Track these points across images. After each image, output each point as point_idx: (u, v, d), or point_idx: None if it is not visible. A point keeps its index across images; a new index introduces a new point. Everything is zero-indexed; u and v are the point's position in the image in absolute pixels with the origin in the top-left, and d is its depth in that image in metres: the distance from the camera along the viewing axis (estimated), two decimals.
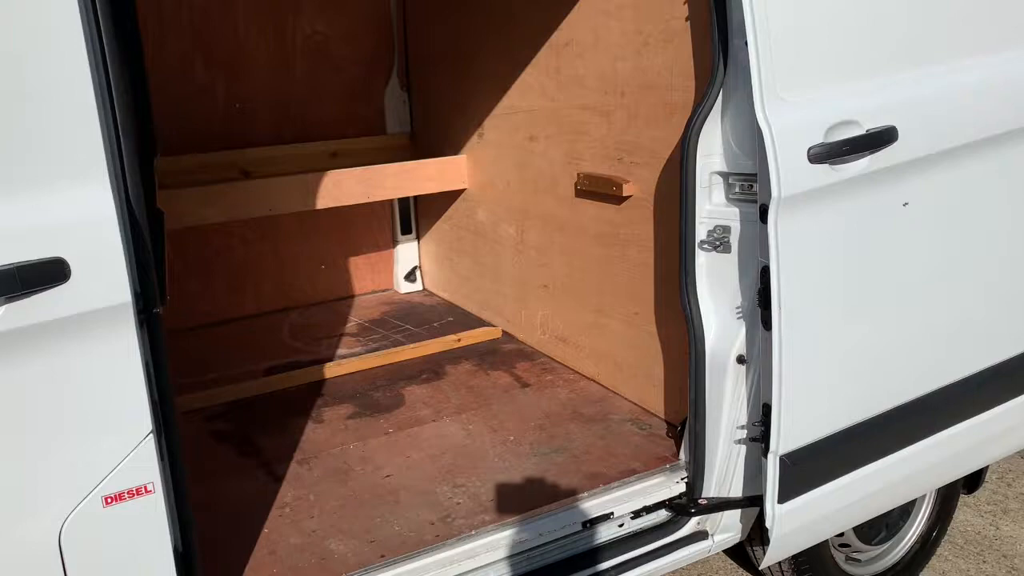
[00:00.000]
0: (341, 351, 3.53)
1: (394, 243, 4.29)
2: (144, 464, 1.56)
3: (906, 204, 2.23)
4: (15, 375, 1.44)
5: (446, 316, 3.91)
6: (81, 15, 1.43)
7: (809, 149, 2.05)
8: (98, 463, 1.53)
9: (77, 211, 1.47)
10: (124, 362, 1.52)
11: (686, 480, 2.48)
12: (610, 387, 3.06)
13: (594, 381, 3.14)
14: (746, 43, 2.01)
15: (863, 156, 2.14)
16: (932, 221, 2.29)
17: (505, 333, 3.64)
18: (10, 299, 1.40)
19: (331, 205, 3.54)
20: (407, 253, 4.31)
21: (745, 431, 2.33)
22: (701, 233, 2.31)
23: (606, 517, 2.35)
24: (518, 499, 2.38)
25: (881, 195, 2.19)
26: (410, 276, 4.32)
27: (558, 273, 3.26)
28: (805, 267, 2.13)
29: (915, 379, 2.38)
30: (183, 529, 1.69)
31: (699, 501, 2.44)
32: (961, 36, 2.29)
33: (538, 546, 2.26)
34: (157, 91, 3.53)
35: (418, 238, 4.31)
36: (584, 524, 2.33)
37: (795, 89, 2.06)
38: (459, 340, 3.55)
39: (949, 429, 2.49)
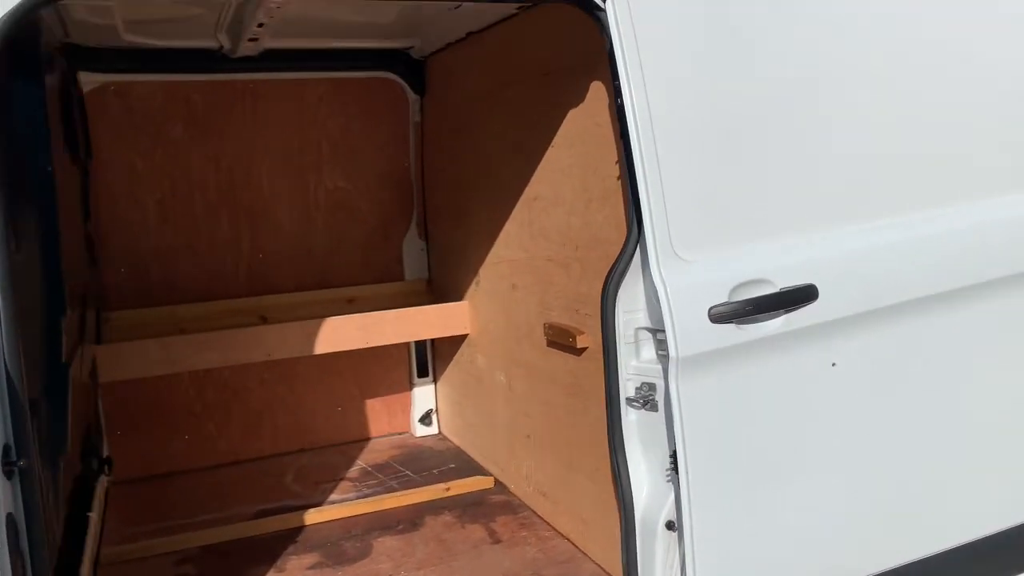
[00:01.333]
0: (333, 497, 3.54)
1: (411, 385, 4.33)
2: None
3: (834, 364, 2.10)
4: None
5: (449, 463, 3.88)
6: None
7: (711, 309, 1.99)
8: None
9: None
10: None
11: None
12: (580, 546, 2.92)
13: (567, 539, 3.01)
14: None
15: (777, 315, 2.05)
16: (861, 382, 2.14)
17: (498, 483, 3.57)
18: None
19: (330, 350, 3.65)
20: (423, 396, 4.34)
21: None
22: (629, 390, 2.24)
23: None
24: None
25: (802, 355, 2.08)
26: (425, 419, 4.33)
27: (538, 423, 3.20)
28: (716, 429, 2.02)
29: (854, 557, 2.17)
30: None
31: None
32: (888, 194, 2.21)
33: None
34: (184, 243, 3.84)
35: (435, 381, 4.35)
36: None
37: (696, 248, 2.02)
38: (448, 489, 3.50)
39: None
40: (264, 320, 3.91)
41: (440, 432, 4.33)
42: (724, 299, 2.01)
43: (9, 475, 1.64)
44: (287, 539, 3.15)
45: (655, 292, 2.13)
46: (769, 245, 2.07)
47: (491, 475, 3.63)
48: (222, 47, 3.53)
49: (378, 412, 4.32)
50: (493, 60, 3.32)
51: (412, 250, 4.28)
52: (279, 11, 2.91)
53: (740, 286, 2.03)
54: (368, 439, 4.29)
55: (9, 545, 1.61)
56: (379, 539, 3.11)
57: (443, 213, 4.08)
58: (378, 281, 4.22)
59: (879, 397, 2.16)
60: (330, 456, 4.07)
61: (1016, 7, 2.37)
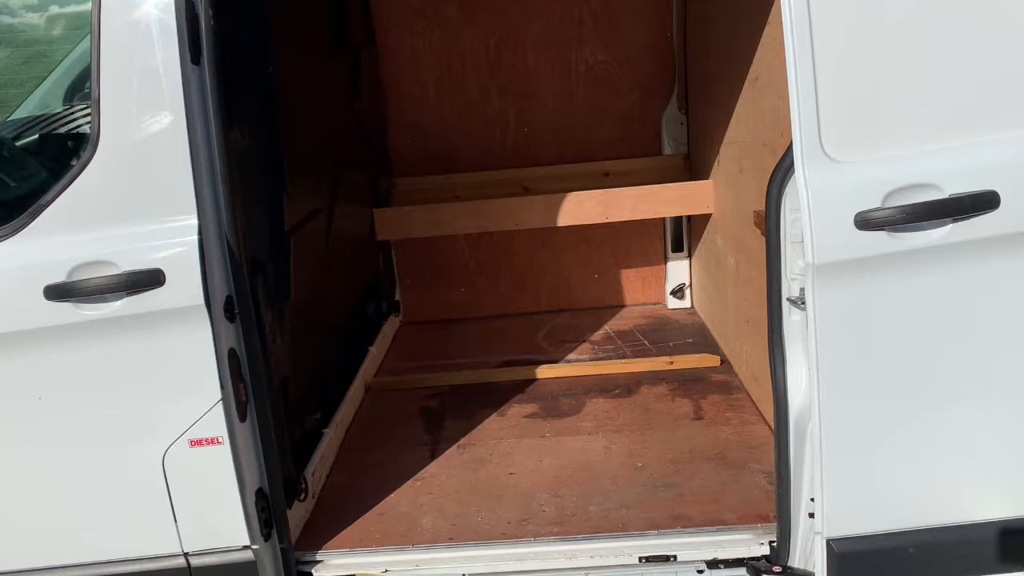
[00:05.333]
0: (571, 356, 3.87)
1: (665, 259, 4.44)
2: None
3: (1001, 283, 1.87)
4: None
5: (688, 337, 3.99)
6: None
7: (857, 214, 1.87)
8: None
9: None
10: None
11: (773, 544, 2.37)
12: None
13: (768, 426, 3.03)
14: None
15: (944, 224, 1.86)
16: None
17: (724, 362, 3.62)
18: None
19: (571, 223, 3.88)
20: (677, 270, 4.43)
21: None
22: (794, 290, 2.19)
23: (666, 558, 2.39)
24: (596, 521, 2.53)
25: (967, 271, 1.87)
26: (678, 292, 4.43)
27: (756, 310, 3.18)
28: (854, 345, 1.94)
29: (1008, 493, 1.97)
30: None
31: (774, 568, 2.33)
32: None
33: (589, 567, 2.40)
34: (458, 118, 4.24)
35: (689, 256, 4.40)
36: (641, 559, 2.40)
37: (848, 147, 1.88)
38: (671, 363, 3.64)
39: None
40: (526, 190, 4.23)
41: (692, 306, 4.41)
42: (876, 204, 1.86)
43: (232, 319, 2.14)
44: (518, 389, 3.55)
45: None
46: (937, 146, 1.85)
47: (721, 354, 3.69)
48: None
49: (633, 282, 4.51)
50: None
51: (672, 124, 4.27)
52: None
53: (897, 191, 1.85)
54: (623, 306, 4.52)
55: (231, 373, 2.13)
56: (593, 400, 3.39)
57: (700, 86, 3.99)
58: (636, 155, 4.30)
59: None
60: (583, 318, 4.38)
61: None
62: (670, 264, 4.44)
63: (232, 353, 2.17)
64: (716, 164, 3.66)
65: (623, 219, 3.96)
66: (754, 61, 2.91)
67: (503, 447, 3.05)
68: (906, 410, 1.96)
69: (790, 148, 2.06)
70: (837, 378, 1.95)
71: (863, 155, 1.88)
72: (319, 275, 3.25)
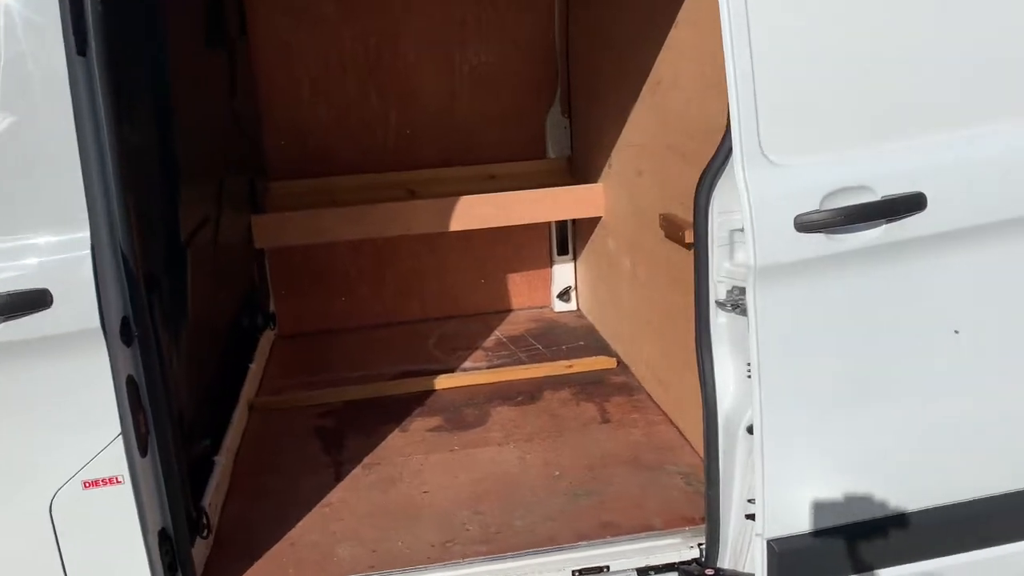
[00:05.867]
0: (467, 364, 3.77)
1: (551, 262, 4.42)
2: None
3: (933, 282, 1.95)
4: None
5: (580, 340, 3.98)
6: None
7: (797, 217, 1.89)
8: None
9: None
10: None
11: (702, 546, 2.38)
12: (687, 435, 2.97)
13: (675, 426, 3.06)
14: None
15: (877, 225, 1.91)
16: (959, 302, 1.97)
17: (620, 364, 3.64)
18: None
19: (466, 228, 3.78)
20: (563, 273, 4.42)
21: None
22: (720, 293, 2.20)
23: (599, 570, 2.34)
24: (523, 536, 2.45)
25: (902, 270, 1.94)
26: (564, 295, 4.43)
27: (659, 311, 3.21)
28: (795, 344, 1.96)
29: (938, 483, 2.06)
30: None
31: (707, 571, 2.33)
32: (1006, 96, 1.93)
33: None
34: (336, 118, 4.04)
35: (575, 259, 4.41)
36: (575, 573, 2.34)
37: (787, 151, 1.90)
38: (570, 367, 3.62)
39: (986, 550, 2.11)
40: (412, 193, 4.09)
41: (578, 309, 4.42)
42: (814, 207, 1.89)
43: (128, 343, 1.90)
44: (417, 401, 3.42)
45: None
46: (871, 150, 1.90)
47: (614, 356, 3.70)
48: None
49: (519, 286, 4.47)
50: None
51: (555, 127, 4.26)
52: None
53: (833, 193, 1.89)
54: (509, 311, 4.46)
55: (131, 401, 1.89)
56: (497, 408, 3.31)
57: (587, 90, 4.00)
58: (521, 158, 4.27)
59: (977, 319, 1.99)
60: (472, 325, 4.29)
61: None
62: (556, 267, 4.43)
63: (131, 380, 1.93)
64: (607, 167, 3.68)
65: (518, 223, 3.91)
66: (656, 64, 2.92)
67: (412, 464, 2.91)
68: (846, 408, 2.01)
69: (717, 152, 2.07)
70: (779, 379, 1.96)
71: (801, 158, 1.90)
72: (209, 289, 2.99)
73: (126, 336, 1.90)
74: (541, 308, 4.49)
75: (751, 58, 1.85)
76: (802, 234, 1.90)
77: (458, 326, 4.29)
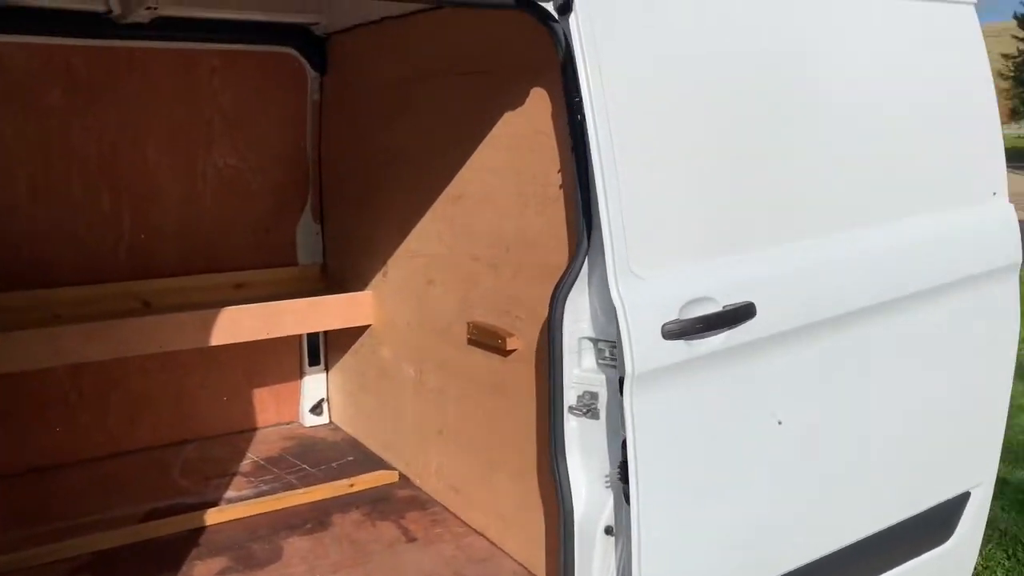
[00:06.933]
0: (229, 494, 3.40)
1: (301, 374, 4.20)
2: None
3: (769, 379, 2.24)
4: None
5: (347, 455, 3.80)
6: None
7: (663, 326, 2.06)
8: None
9: None
10: None
11: None
12: (498, 544, 2.97)
13: (482, 535, 3.04)
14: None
15: (720, 332, 2.15)
16: (798, 391, 2.30)
17: (403, 477, 3.54)
18: None
19: (229, 342, 3.48)
20: (314, 385, 4.22)
21: None
22: (571, 398, 2.28)
23: None
24: None
25: (742, 368, 2.20)
26: (316, 409, 4.22)
27: (453, 420, 3.20)
28: (665, 441, 2.11)
29: (791, 551, 2.34)
30: None
31: None
32: (818, 214, 2.36)
33: None
34: (59, 223, 3.52)
35: (327, 369, 4.24)
36: None
37: (650, 266, 2.08)
38: (352, 485, 3.44)
39: None
40: (147, 305, 3.67)
41: (331, 422, 4.23)
42: (675, 316, 2.08)
43: None
44: (188, 542, 3.00)
45: (601, 306, 2.19)
46: (713, 263, 2.16)
47: (395, 469, 3.60)
48: (111, 11, 3.23)
49: (266, 401, 4.17)
50: (413, 49, 3.24)
51: (306, 233, 4.13)
52: None
53: (688, 304, 2.10)
54: (255, 429, 4.13)
55: None
56: (288, 540, 3.02)
57: (343, 197, 3.95)
58: (269, 265, 4.04)
59: (808, 406, 2.33)
60: (217, 448, 3.89)
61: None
62: (307, 379, 4.22)
63: None
64: (382, 275, 3.64)
65: (286, 334, 3.68)
66: (455, 180, 3.01)
67: None
68: (711, 494, 2.18)
69: (570, 267, 2.21)
70: (653, 477, 2.08)
71: (662, 272, 2.09)
72: None
73: None
74: (290, 424, 4.22)
75: (619, 190, 2.03)
76: (667, 341, 2.07)
77: (201, 451, 3.87)
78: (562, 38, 2.09)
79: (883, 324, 2.47)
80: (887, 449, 2.55)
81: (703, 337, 2.12)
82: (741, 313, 2.17)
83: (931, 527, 2.70)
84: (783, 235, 2.29)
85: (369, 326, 3.80)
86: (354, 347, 3.96)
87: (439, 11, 2.96)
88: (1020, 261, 2.77)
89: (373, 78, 3.59)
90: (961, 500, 2.77)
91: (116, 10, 3.20)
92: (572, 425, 2.29)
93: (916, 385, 2.61)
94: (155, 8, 3.09)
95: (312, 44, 3.87)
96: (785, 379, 2.27)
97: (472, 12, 2.75)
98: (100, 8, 3.21)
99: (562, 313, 2.21)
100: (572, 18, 2.05)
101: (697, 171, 2.16)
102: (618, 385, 2.10)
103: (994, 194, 2.74)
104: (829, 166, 2.40)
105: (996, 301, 2.73)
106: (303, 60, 3.90)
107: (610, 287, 2.03)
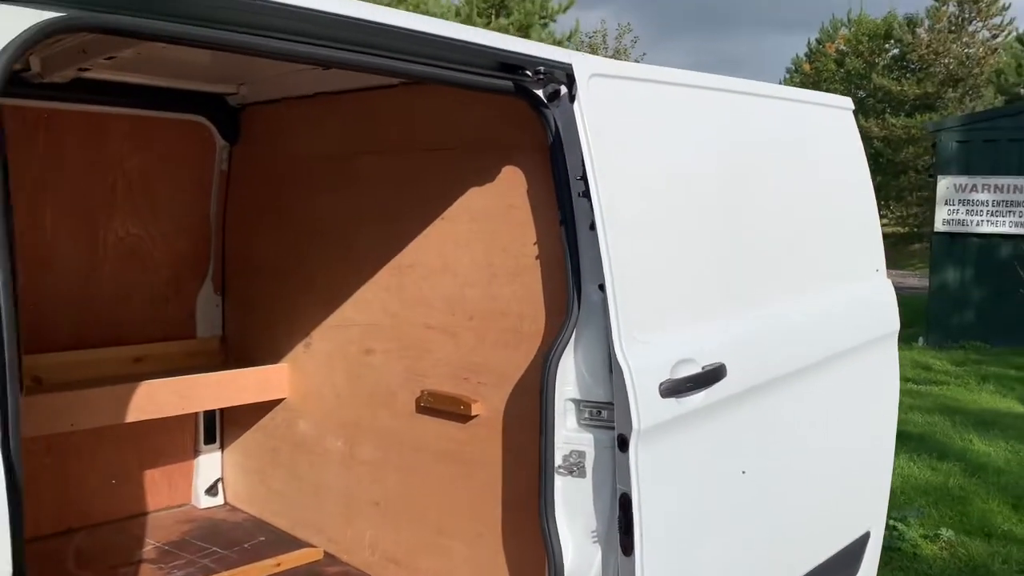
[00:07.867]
0: None
1: (196, 453, 3.99)
2: None
3: (740, 431, 2.50)
4: None
5: (256, 535, 3.64)
6: None
7: (660, 384, 2.26)
8: None
9: None
10: None
11: None
12: None
13: None
14: (602, 290, 2.22)
15: (702, 390, 2.38)
16: (754, 444, 2.57)
17: (327, 554, 3.45)
18: None
19: (143, 418, 3.28)
20: (209, 464, 4.01)
21: None
22: (557, 458, 2.41)
23: None
24: None
25: (720, 421, 2.44)
26: (212, 490, 4.00)
27: (393, 490, 3.19)
28: (663, 492, 2.28)
29: None
30: None
31: None
32: (781, 278, 2.71)
33: None
34: None
35: (222, 448, 4.05)
36: None
37: (647, 331, 2.28)
38: (278, 565, 3.32)
39: None
40: (39, 381, 3.39)
41: (227, 503, 4.03)
42: (668, 376, 2.29)
43: None
44: None
45: (587, 368, 2.36)
46: (693, 329, 2.41)
47: (315, 546, 3.49)
48: (29, 69, 3.06)
49: (157, 483, 3.91)
50: (351, 124, 3.31)
51: (206, 305, 3.98)
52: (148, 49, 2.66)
53: (678, 364, 2.32)
54: (146, 513, 3.85)
55: None
56: None
57: (251, 268, 3.87)
58: (168, 338, 3.86)
59: (761, 457, 2.61)
60: (109, 535, 3.60)
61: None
62: (201, 458, 4.01)
63: None
64: (304, 347, 3.58)
65: (203, 408, 3.51)
66: (406, 250, 3.08)
67: None
68: (699, 536, 2.37)
69: (561, 333, 2.37)
70: (654, 527, 2.24)
71: (657, 336, 2.30)
72: None
73: None
74: (183, 506, 3.97)
75: (623, 261, 2.24)
76: (663, 399, 2.27)
77: (92, 539, 3.56)
78: (552, 122, 2.30)
79: (803, 384, 2.82)
80: (814, 494, 2.88)
81: (690, 394, 2.34)
82: (717, 373, 2.41)
83: (847, 562, 3.05)
84: (738, 304, 2.59)
85: (282, 400, 3.71)
86: (260, 423, 3.83)
87: (391, 90, 3.07)
88: (898, 328, 3.26)
89: (295, 150, 3.61)
90: (864, 539, 3.15)
91: (36, 68, 3.04)
92: (558, 484, 2.41)
93: (830, 436, 2.97)
94: (88, 70, 2.97)
95: (225, 113, 3.82)
96: (744, 433, 2.54)
97: (431, 91, 2.89)
98: (19, 66, 3.03)
99: (554, 377, 2.35)
100: (576, 105, 2.26)
101: (677, 247, 2.41)
102: (609, 443, 2.27)
103: (876, 270, 3.22)
104: (764, 248, 2.76)
105: (883, 363, 3.19)
106: (213, 128, 3.84)
107: (615, 351, 2.21)
